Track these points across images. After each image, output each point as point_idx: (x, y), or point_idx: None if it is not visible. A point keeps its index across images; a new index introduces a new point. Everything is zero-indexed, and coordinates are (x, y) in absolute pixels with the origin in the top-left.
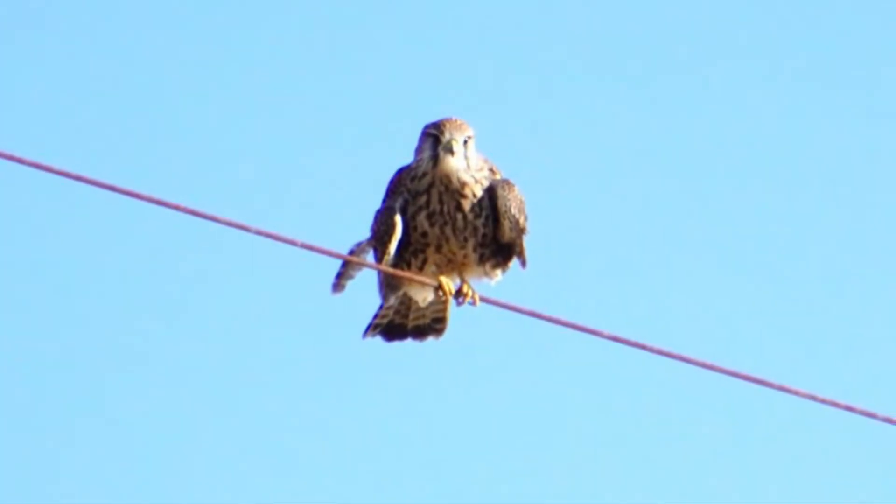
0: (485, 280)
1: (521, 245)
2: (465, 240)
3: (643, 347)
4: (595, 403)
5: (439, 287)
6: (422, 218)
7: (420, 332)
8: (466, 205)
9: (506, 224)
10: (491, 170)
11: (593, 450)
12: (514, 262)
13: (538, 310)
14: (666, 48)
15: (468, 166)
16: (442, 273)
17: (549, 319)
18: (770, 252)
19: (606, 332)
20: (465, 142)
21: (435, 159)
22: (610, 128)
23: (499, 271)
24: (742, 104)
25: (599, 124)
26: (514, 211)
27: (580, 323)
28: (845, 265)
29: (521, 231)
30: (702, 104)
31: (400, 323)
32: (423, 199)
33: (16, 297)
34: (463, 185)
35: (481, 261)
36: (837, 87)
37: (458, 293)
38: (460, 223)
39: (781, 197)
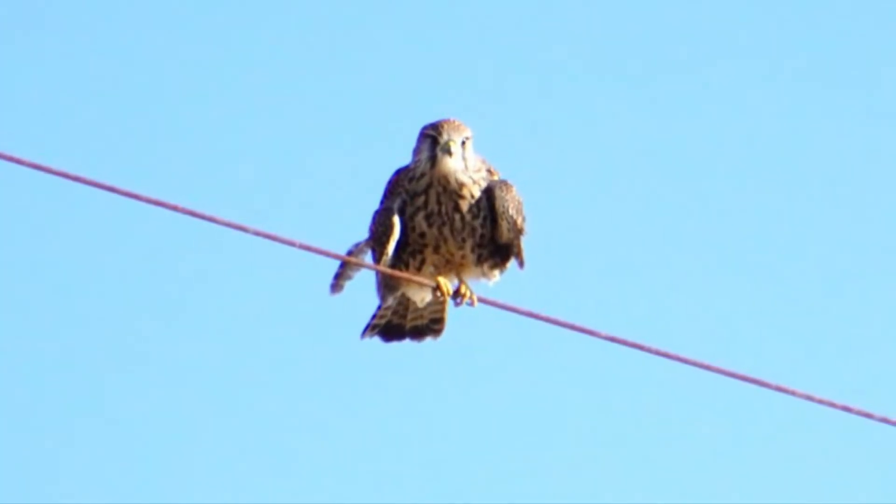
0: (483, 280)
1: (518, 246)
2: (463, 240)
3: (640, 348)
4: (593, 404)
5: (437, 287)
6: (420, 218)
7: (418, 333)
8: (464, 205)
9: (504, 225)
10: (489, 170)
11: (592, 450)
12: (512, 263)
13: (536, 310)
14: (666, 48)
15: (466, 167)
16: (440, 274)
17: (547, 320)
18: (767, 252)
19: (604, 332)
20: (463, 143)
21: (433, 160)
22: (610, 128)
23: (497, 272)
24: (742, 104)
25: (599, 124)
26: (511, 212)
27: (578, 323)
28: (843, 266)
29: (519, 232)
30: (702, 104)
31: (398, 323)
32: (422, 199)
33: (16, 297)
34: (461, 185)
35: (479, 261)
36: (837, 87)
37: (456, 294)
38: (458, 224)
39: (779, 197)
